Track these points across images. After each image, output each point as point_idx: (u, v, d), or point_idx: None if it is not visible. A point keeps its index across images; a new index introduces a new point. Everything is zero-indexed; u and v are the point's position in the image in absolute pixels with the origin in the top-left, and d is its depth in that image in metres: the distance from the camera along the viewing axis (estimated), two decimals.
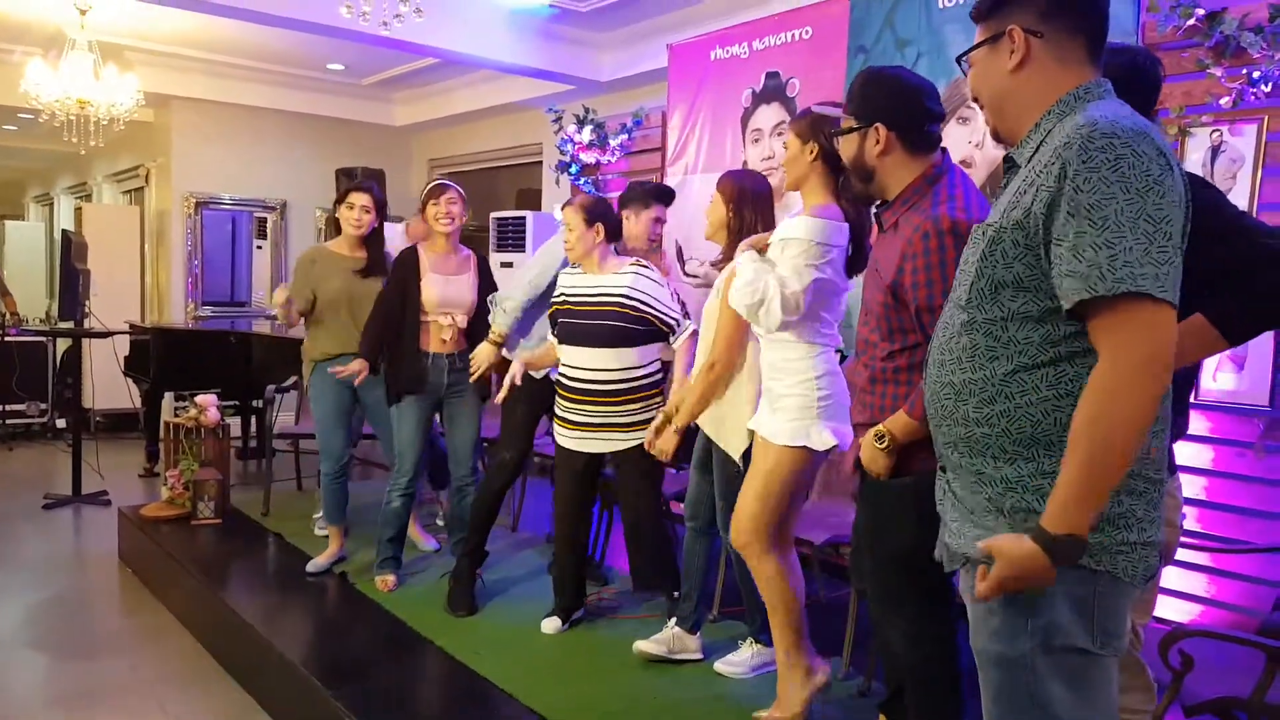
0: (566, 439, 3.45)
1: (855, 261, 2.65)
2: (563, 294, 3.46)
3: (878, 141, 2.20)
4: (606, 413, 3.33)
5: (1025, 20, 1.55)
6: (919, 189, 2.19)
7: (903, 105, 2.20)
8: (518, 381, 3.61)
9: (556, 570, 3.64)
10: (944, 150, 2.27)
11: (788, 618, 2.78)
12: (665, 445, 3.10)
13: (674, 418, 3.06)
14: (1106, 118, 1.41)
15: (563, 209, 3.43)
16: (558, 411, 3.46)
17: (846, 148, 2.28)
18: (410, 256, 3.89)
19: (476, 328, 3.90)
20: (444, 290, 3.86)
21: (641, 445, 3.21)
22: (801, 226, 2.56)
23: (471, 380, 3.81)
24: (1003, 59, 1.58)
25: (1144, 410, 1.37)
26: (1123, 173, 1.35)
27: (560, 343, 3.43)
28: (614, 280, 3.35)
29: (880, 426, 2.14)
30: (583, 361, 3.34)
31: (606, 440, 3.37)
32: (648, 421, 3.23)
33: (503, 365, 3.73)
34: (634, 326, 3.31)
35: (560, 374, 3.44)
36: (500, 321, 3.70)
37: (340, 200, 4.14)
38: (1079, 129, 1.41)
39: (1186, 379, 2.21)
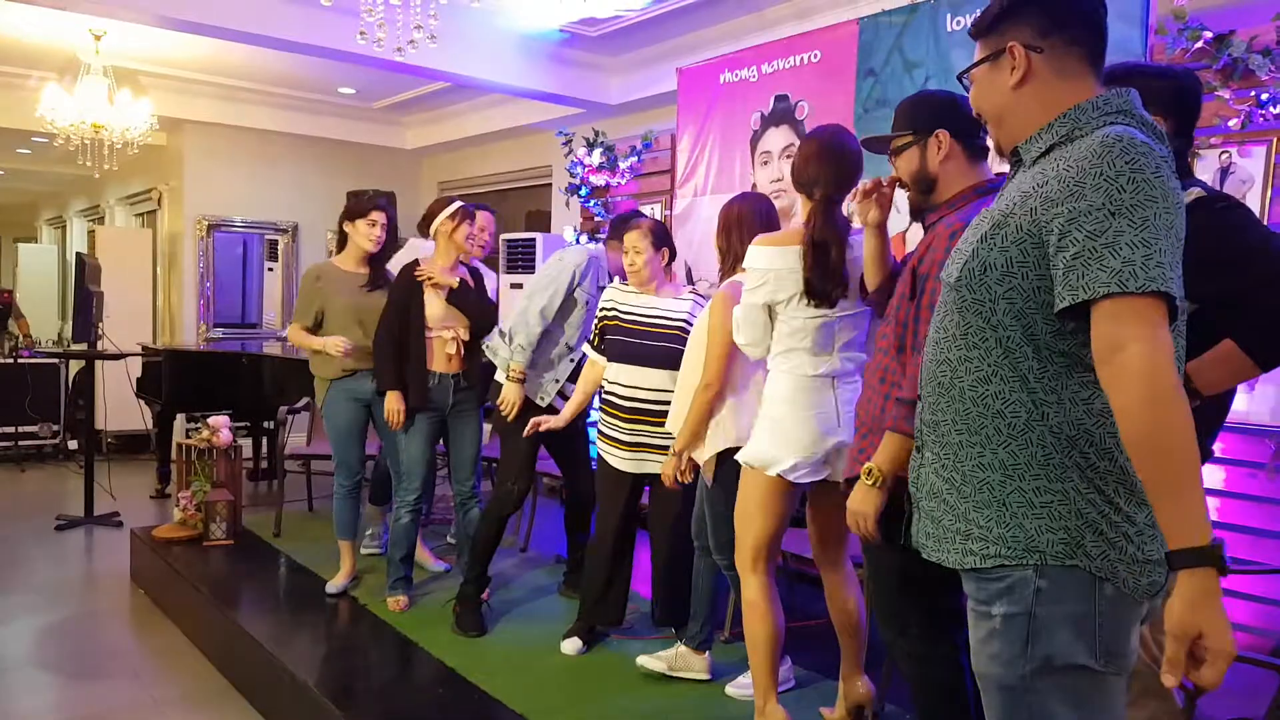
0: (617, 459, 3.44)
1: (820, 290, 2.56)
2: (615, 310, 3.45)
3: (939, 147, 2.19)
4: (658, 433, 3.33)
5: (1025, 36, 1.57)
6: (966, 197, 2.18)
7: (959, 112, 2.20)
8: (556, 424, 3.59)
9: (591, 591, 3.58)
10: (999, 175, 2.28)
11: (754, 653, 2.78)
12: (668, 469, 3.14)
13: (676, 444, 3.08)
14: (1138, 134, 1.43)
15: (627, 232, 3.41)
16: (606, 431, 3.45)
17: (907, 164, 2.25)
18: (410, 273, 3.93)
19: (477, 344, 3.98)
20: (445, 305, 3.90)
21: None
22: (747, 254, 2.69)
23: (510, 420, 3.82)
24: (1004, 75, 1.60)
25: (1173, 394, 1.32)
26: (1163, 182, 1.38)
27: (613, 360, 3.43)
28: (674, 305, 3.39)
29: (869, 463, 2.04)
30: (639, 381, 3.36)
31: (656, 461, 3.37)
32: None
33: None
34: None
35: (609, 393, 3.43)
36: (519, 359, 3.76)
37: (362, 215, 4.15)
38: (1118, 136, 1.41)
39: (1219, 408, 2.16)
